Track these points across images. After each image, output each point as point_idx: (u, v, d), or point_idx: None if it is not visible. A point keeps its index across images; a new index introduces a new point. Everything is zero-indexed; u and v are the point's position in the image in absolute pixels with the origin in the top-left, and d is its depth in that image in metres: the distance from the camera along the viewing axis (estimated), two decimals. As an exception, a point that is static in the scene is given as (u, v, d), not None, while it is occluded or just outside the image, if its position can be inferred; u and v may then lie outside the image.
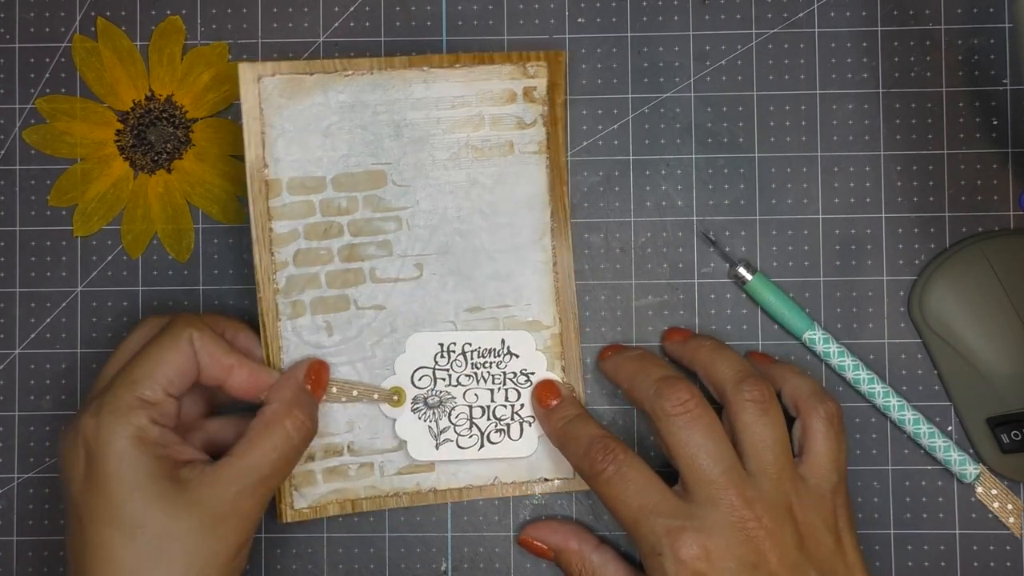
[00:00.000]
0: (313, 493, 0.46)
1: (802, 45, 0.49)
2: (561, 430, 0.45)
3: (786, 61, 0.49)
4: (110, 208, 0.50)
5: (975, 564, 0.48)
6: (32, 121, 0.50)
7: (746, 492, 0.41)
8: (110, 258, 0.50)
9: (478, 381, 0.46)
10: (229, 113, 0.50)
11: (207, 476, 0.40)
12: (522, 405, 0.46)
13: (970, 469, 0.47)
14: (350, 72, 0.44)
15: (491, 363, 0.46)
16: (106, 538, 0.39)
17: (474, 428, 0.46)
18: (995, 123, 0.49)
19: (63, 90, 0.50)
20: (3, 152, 0.50)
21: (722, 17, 0.49)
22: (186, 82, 0.50)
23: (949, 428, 0.48)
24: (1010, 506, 0.48)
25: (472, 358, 0.46)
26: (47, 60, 0.50)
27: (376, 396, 0.45)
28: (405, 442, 0.46)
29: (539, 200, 0.46)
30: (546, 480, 0.47)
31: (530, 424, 0.46)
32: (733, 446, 0.42)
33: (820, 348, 0.48)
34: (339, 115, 0.44)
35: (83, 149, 0.50)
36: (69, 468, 0.41)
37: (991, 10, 0.49)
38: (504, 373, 0.46)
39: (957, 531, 0.48)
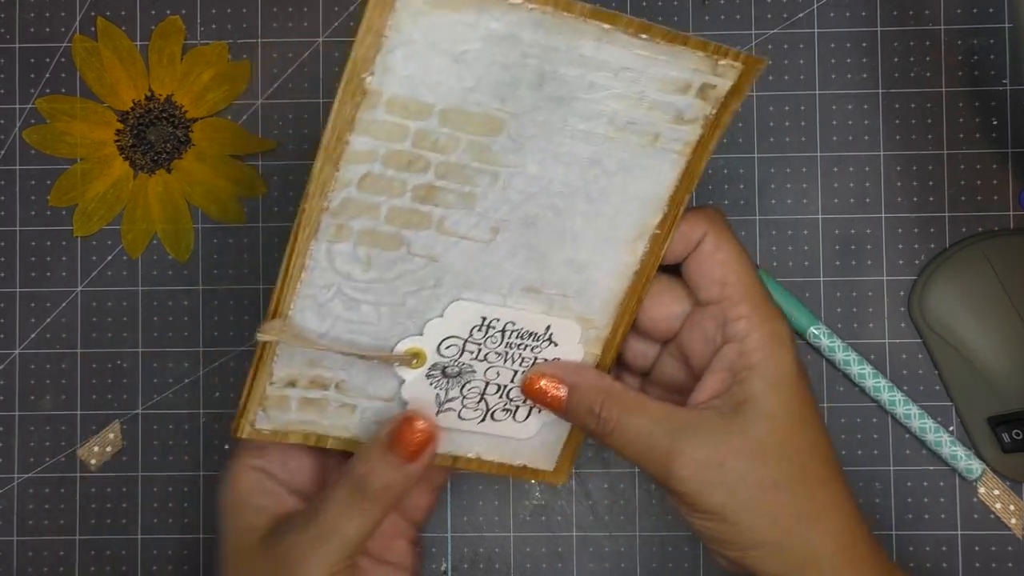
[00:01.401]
0: (281, 418, 0.41)
1: (802, 45, 0.49)
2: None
3: (786, 61, 0.49)
4: (110, 208, 0.50)
5: (976, 565, 0.48)
6: (32, 121, 0.50)
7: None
8: (110, 258, 0.50)
9: (506, 360, 0.42)
10: (229, 113, 0.50)
11: (276, 535, 0.40)
12: None
13: (975, 465, 0.47)
14: (519, 0, 0.35)
15: (527, 346, 0.42)
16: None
17: (482, 403, 0.42)
18: (995, 123, 0.49)
19: (63, 90, 0.50)
20: (3, 152, 0.50)
21: (722, 17, 0.50)
22: (186, 82, 0.50)
23: (950, 428, 0.48)
24: (1012, 507, 0.48)
25: (510, 337, 0.41)
26: (47, 60, 0.50)
27: (391, 360, 0.40)
28: (406, 402, 0.41)
29: (657, 202, 0.40)
30: (525, 467, 0.44)
31: (539, 410, 0.43)
32: None
33: (824, 344, 0.48)
34: (483, 43, 0.36)
35: (83, 149, 0.50)
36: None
37: (991, 10, 0.49)
38: (535, 357, 0.42)
39: (959, 532, 0.48)
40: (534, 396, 0.41)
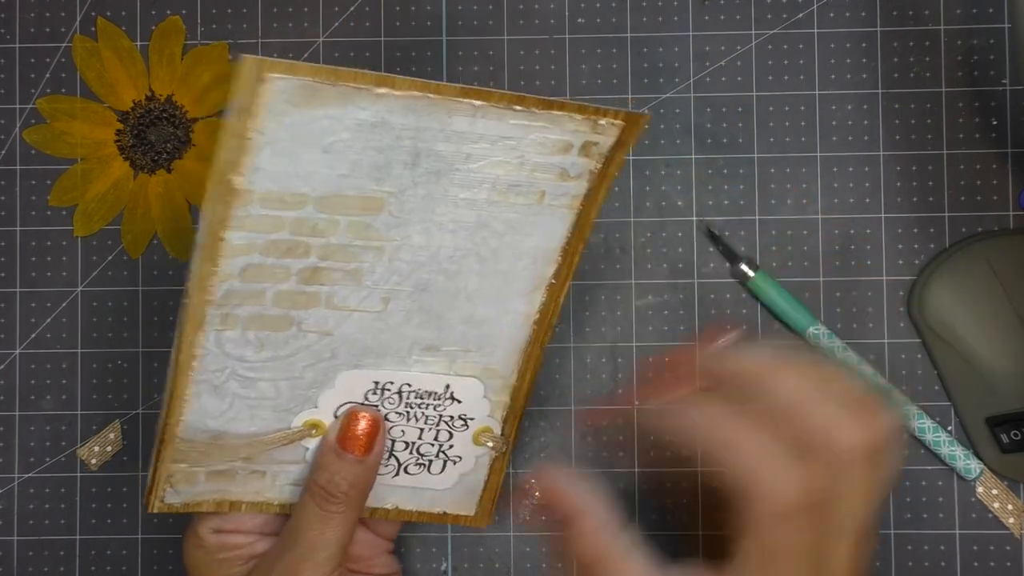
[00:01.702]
0: (190, 491, 0.41)
1: (802, 45, 0.49)
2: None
3: (786, 61, 0.49)
4: (110, 208, 0.50)
5: (975, 564, 0.48)
6: (32, 121, 0.50)
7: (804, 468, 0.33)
8: (110, 258, 0.50)
9: (408, 419, 0.42)
10: (229, 113, 0.50)
11: (256, 571, 0.40)
12: (451, 446, 0.42)
13: (973, 465, 0.48)
14: (384, 90, 0.35)
15: (428, 405, 0.42)
16: None
17: (392, 459, 0.42)
18: (995, 123, 0.49)
19: (63, 90, 0.50)
20: (3, 152, 0.50)
21: (722, 17, 0.50)
22: (186, 82, 0.50)
23: (949, 428, 0.48)
24: (1010, 506, 0.48)
25: (408, 398, 0.41)
26: (47, 60, 0.50)
27: (292, 439, 0.41)
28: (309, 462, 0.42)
29: (548, 255, 0.40)
30: (446, 514, 0.44)
31: (454, 463, 0.43)
32: None
33: (823, 344, 0.48)
34: (352, 132, 0.36)
35: (83, 149, 0.50)
36: None
37: (991, 10, 0.49)
38: (440, 415, 0.42)
39: (957, 531, 0.48)
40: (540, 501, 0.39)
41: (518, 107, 0.37)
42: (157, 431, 0.39)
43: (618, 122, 0.38)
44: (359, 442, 0.40)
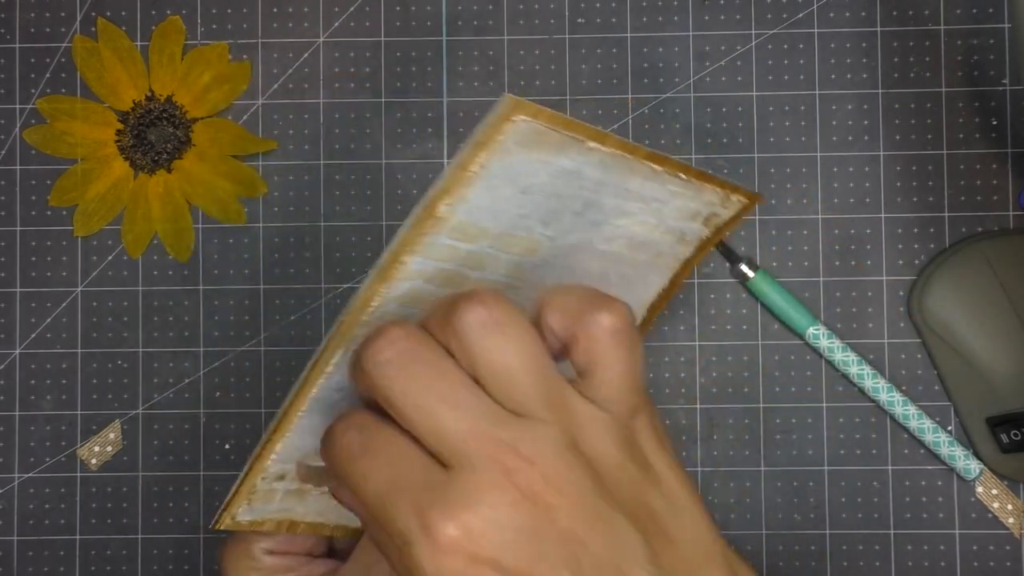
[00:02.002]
0: (262, 509, 0.41)
1: (802, 45, 0.49)
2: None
3: (786, 61, 0.49)
4: (110, 208, 0.50)
5: (975, 564, 0.48)
6: (32, 121, 0.50)
7: (505, 435, 0.29)
8: (110, 258, 0.50)
9: None
10: (229, 113, 0.50)
11: None
12: None
13: (973, 465, 0.48)
14: (594, 144, 0.35)
15: None
16: None
17: None
18: (995, 123, 0.49)
19: (63, 90, 0.50)
20: (3, 152, 0.50)
21: (722, 17, 0.50)
22: (186, 82, 0.50)
23: (949, 428, 0.48)
24: (1010, 506, 0.48)
25: None
26: (47, 60, 0.50)
27: None
28: None
29: (639, 309, 0.42)
30: None
31: None
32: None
33: (823, 344, 0.48)
34: (550, 178, 0.36)
35: (83, 149, 0.50)
36: None
37: (991, 10, 0.49)
38: None
39: (957, 531, 0.48)
40: None
41: (682, 175, 0.38)
42: (259, 444, 0.38)
43: (743, 199, 0.39)
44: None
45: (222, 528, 0.39)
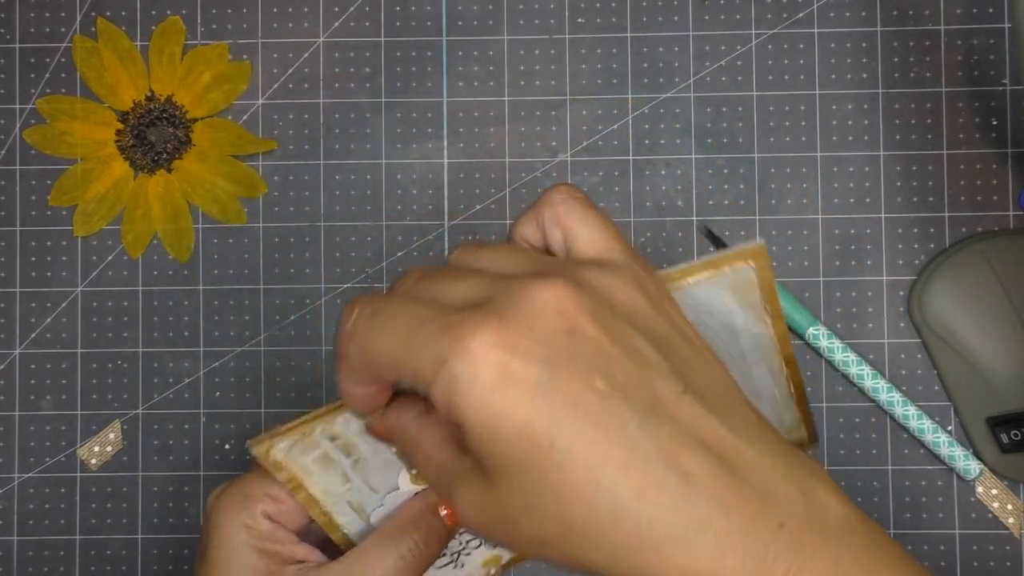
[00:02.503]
0: (295, 457, 0.41)
1: (802, 45, 0.49)
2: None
3: (786, 61, 0.49)
4: (110, 208, 0.50)
5: (975, 564, 0.48)
6: (32, 121, 0.50)
7: (527, 271, 0.31)
8: (110, 258, 0.50)
9: None
10: (229, 113, 0.50)
11: None
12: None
13: (973, 465, 0.48)
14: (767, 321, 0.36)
15: None
16: None
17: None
18: (995, 123, 0.49)
19: (63, 90, 0.50)
20: (3, 152, 0.50)
21: (722, 17, 0.50)
22: (186, 82, 0.50)
23: (949, 428, 0.48)
24: (1010, 506, 0.48)
25: None
26: (47, 60, 0.50)
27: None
28: (381, 506, 0.42)
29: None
30: None
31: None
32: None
33: (823, 344, 0.48)
34: (715, 319, 0.37)
35: (83, 149, 0.50)
36: (201, 537, 0.41)
37: (991, 10, 0.49)
38: None
39: (957, 531, 0.48)
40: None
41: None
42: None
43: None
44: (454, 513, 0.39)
45: (255, 451, 0.39)
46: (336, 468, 0.41)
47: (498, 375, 0.28)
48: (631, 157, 0.49)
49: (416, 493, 0.40)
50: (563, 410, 0.28)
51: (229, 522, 0.40)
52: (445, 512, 0.38)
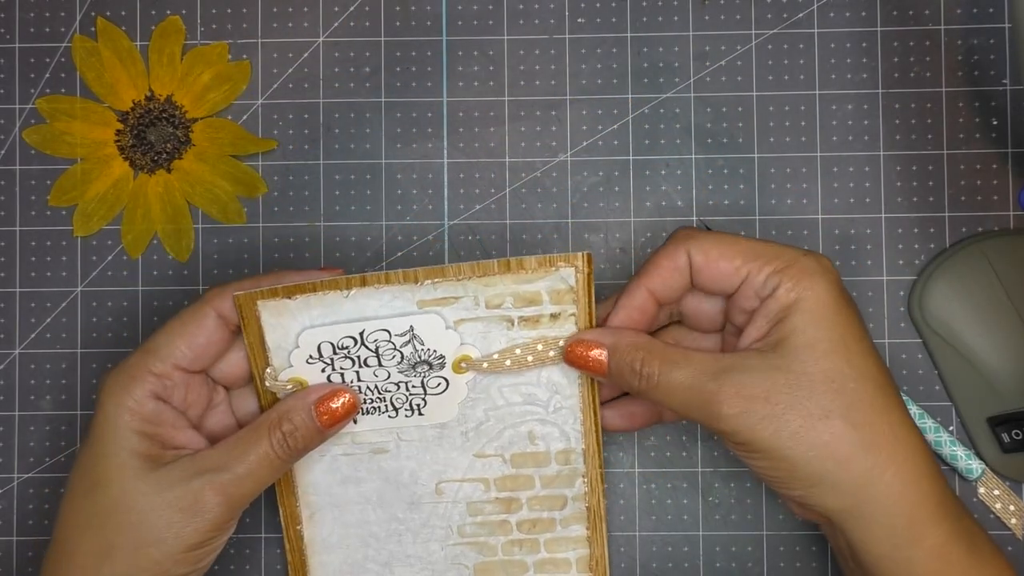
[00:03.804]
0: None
1: (802, 45, 0.49)
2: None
3: (786, 61, 0.49)
4: (110, 208, 0.50)
5: (976, 564, 0.48)
6: (32, 121, 0.50)
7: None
8: (110, 258, 0.50)
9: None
10: (229, 113, 0.50)
11: (181, 463, 0.41)
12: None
13: (975, 465, 0.47)
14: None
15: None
16: (74, 486, 0.41)
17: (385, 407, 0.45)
18: (995, 123, 0.49)
19: (63, 90, 0.50)
20: (3, 152, 0.50)
21: (722, 17, 0.50)
22: (186, 82, 0.50)
23: (950, 428, 0.48)
24: (1012, 507, 0.48)
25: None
26: (47, 60, 0.50)
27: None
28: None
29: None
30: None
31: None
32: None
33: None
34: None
35: (83, 149, 0.50)
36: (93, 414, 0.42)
37: (991, 10, 0.49)
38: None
39: (958, 531, 0.48)
40: (575, 362, 0.42)
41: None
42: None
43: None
44: (334, 417, 0.43)
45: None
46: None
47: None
48: (631, 157, 0.49)
49: (303, 390, 0.43)
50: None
51: (113, 404, 0.41)
52: (318, 410, 0.42)
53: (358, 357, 0.43)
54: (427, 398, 0.44)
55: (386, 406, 0.44)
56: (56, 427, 0.50)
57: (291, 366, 0.44)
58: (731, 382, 0.38)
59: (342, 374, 0.44)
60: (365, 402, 0.44)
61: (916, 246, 0.49)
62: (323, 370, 0.44)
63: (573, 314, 0.43)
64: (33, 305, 0.50)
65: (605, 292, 0.49)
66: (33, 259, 0.50)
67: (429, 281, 0.42)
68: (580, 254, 0.42)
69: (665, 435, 0.49)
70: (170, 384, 0.42)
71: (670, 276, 0.41)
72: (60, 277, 0.50)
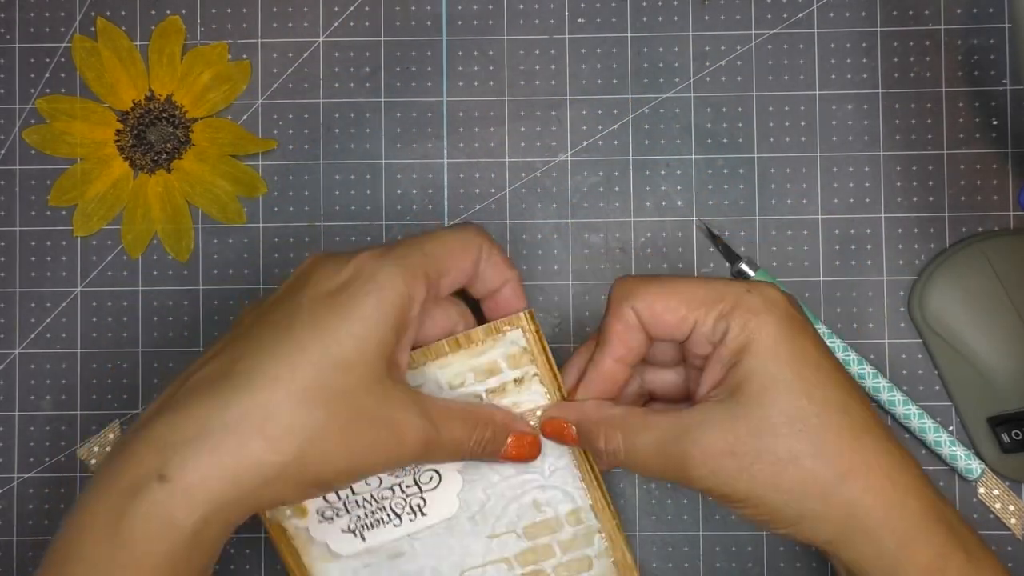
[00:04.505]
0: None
1: (802, 45, 0.49)
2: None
3: (786, 61, 0.49)
4: (110, 208, 0.50)
5: (976, 564, 0.48)
6: (32, 121, 0.50)
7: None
8: (110, 258, 0.50)
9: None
10: (229, 113, 0.50)
11: (410, 392, 0.39)
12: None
13: (975, 465, 0.47)
14: None
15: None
16: (306, 346, 0.36)
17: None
18: (995, 123, 0.49)
19: (63, 90, 0.50)
20: (3, 152, 0.50)
21: (722, 17, 0.50)
22: (186, 82, 0.50)
23: (950, 428, 0.48)
24: (1012, 507, 0.48)
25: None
26: (47, 60, 0.50)
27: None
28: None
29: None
30: None
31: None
32: None
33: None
34: None
35: (83, 149, 0.50)
36: (318, 275, 0.38)
37: (991, 10, 0.49)
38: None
39: (958, 531, 0.48)
40: (554, 437, 0.42)
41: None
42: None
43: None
44: (514, 455, 0.42)
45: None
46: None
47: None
48: (631, 157, 0.49)
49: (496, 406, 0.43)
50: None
51: (393, 292, 0.38)
52: (509, 443, 0.42)
53: None
54: (425, 495, 0.43)
55: (388, 515, 0.44)
56: (56, 427, 0.50)
57: None
58: (695, 443, 0.37)
59: (337, 493, 0.43)
60: (367, 515, 0.43)
61: (916, 246, 0.49)
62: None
63: (536, 374, 0.43)
64: (33, 305, 0.50)
65: (606, 292, 0.49)
66: (33, 259, 0.50)
67: None
68: (522, 313, 0.42)
69: (665, 435, 0.49)
70: (433, 296, 0.40)
71: (627, 337, 0.40)
72: (60, 277, 0.50)
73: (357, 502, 0.43)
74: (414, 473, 0.43)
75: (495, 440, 0.41)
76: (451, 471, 0.44)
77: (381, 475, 0.43)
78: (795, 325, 0.38)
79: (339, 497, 0.43)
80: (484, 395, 0.43)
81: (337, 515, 0.43)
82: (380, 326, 0.37)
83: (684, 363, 0.43)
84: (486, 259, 0.41)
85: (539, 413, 0.43)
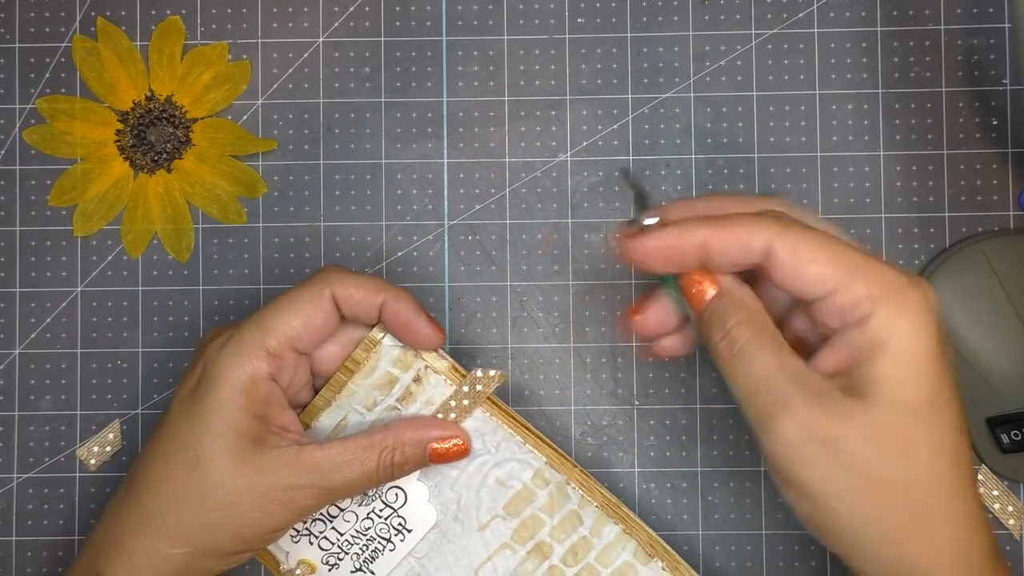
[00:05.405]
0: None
1: (802, 45, 0.49)
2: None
3: (786, 61, 0.49)
4: (110, 208, 0.50)
5: (975, 564, 0.48)
6: (32, 121, 0.50)
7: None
8: (110, 258, 0.50)
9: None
10: (229, 113, 0.50)
11: (286, 455, 0.40)
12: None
13: (974, 465, 0.47)
14: None
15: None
16: (172, 458, 0.40)
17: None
18: (995, 123, 0.49)
19: (63, 90, 0.50)
20: (3, 152, 0.50)
21: (722, 17, 0.50)
22: (186, 82, 0.50)
23: (949, 428, 0.48)
24: (1010, 507, 0.48)
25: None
26: (47, 60, 0.50)
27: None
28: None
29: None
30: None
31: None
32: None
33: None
34: None
35: (83, 149, 0.50)
36: (183, 380, 0.42)
37: (991, 10, 0.49)
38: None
39: (957, 531, 0.48)
40: (685, 284, 0.37)
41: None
42: None
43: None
44: (443, 456, 0.43)
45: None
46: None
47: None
48: (631, 157, 0.49)
49: (426, 421, 0.43)
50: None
51: (226, 383, 0.40)
52: (432, 448, 0.43)
53: (326, 514, 0.44)
54: (400, 513, 0.44)
55: (379, 543, 0.44)
56: (56, 427, 0.50)
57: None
58: (805, 403, 0.33)
59: (325, 537, 0.44)
60: (363, 550, 0.44)
61: (916, 246, 0.49)
62: (310, 542, 0.45)
63: (427, 366, 0.43)
64: (33, 305, 0.50)
65: (606, 292, 0.49)
66: (33, 259, 0.50)
67: (313, 421, 0.44)
68: (374, 327, 0.43)
69: (665, 435, 0.49)
70: (282, 364, 0.41)
71: (737, 248, 0.35)
72: (60, 277, 0.50)
73: (348, 540, 0.44)
74: (380, 496, 0.44)
75: (411, 455, 0.42)
76: (411, 482, 0.44)
77: (354, 510, 0.44)
78: (943, 342, 0.34)
79: (332, 542, 0.44)
80: (399, 406, 0.44)
81: (339, 559, 0.44)
82: (228, 418, 0.40)
83: (797, 312, 0.38)
84: (344, 300, 0.42)
85: (454, 403, 0.44)
